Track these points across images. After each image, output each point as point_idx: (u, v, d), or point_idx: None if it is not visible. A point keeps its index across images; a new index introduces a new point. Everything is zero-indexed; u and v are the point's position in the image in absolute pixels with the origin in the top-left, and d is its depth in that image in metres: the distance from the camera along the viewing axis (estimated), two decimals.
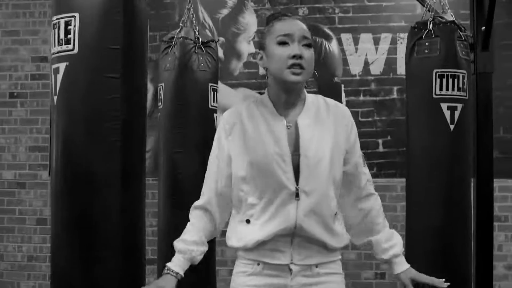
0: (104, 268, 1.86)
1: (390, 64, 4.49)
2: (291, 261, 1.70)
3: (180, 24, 3.14)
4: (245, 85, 4.61)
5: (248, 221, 1.72)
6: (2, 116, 4.89)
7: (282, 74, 1.68)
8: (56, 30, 1.93)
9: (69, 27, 1.90)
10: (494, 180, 3.01)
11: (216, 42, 3.22)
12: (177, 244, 1.78)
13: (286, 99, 1.73)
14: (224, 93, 4.36)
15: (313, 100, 1.78)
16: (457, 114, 2.74)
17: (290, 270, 1.70)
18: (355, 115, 1.83)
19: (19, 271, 4.77)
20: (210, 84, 3.09)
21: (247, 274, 1.74)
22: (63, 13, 1.92)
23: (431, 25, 2.77)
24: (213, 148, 1.81)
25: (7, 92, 4.90)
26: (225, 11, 4.65)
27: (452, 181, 2.77)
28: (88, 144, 1.90)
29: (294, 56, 1.66)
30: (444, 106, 2.74)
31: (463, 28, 2.82)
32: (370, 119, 4.49)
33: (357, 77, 4.53)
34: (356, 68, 4.53)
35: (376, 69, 4.51)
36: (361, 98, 4.51)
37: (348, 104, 3.98)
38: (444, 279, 1.77)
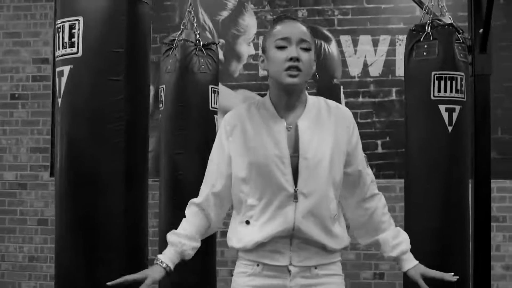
0: (108, 269, 1.87)
1: (389, 65, 4.50)
2: (290, 263, 1.71)
3: (181, 27, 3.15)
4: (245, 87, 4.63)
5: (247, 222, 1.73)
6: (3, 117, 4.91)
7: (280, 77, 1.70)
8: (61, 33, 1.95)
9: (73, 31, 1.92)
10: (492, 181, 3.03)
11: (216, 45, 3.23)
12: (169, 236, 1.80)
13: (287, 101, 1.75)
14: (224, 95, 4.38)
15: (314, 102, 1.79)
16: (455, 115, 2.76)
17: (289, 271, 1.71)
18: (354, 116, 1.84)
19: (20, 272, 4.78)
20: (210, 86, 3.11)
21: (247, 275, 1.75)
22: (67, 17, 1.94)
23: (429, 27, 2.79)
24: (213, 148, 1.83)
25: (8, 94, 4.91)
26: (225, 13, 4.67)
27: (450, 182, 2.78)
28: (92, 146, 1.92)
29: (291, 59, 1.68)
30: (442, 107, 2.76)
31: (461, 31, 2.85)
32: (369, 120, 4.51)
33: (356, 79, 4.54)
34: (355, 69, 4.55)
35: (375, 70, 4.53)
36: (360, 99, 4.53)
37: (347, 106, 3.98)
38: (453, 273, 1.78)
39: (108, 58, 1.93)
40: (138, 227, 2.01)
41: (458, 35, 2.82)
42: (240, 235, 1.75)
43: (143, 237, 2.04)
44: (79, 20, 1.92)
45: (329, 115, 1.77)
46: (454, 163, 2.79)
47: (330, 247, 1.73)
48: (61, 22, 1.96)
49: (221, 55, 4.38)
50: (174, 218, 3.04)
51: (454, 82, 2.76)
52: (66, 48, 1.94)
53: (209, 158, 1.84)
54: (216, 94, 3.16)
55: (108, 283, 1.70)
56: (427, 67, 2.79)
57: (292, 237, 1.70)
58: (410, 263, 1.83)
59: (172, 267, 1.75)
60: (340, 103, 2.53)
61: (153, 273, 1.72)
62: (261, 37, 4.54)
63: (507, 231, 4.36)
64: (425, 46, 2.80)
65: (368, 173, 1.85)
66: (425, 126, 2.82)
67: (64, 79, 1.94)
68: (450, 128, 2.76)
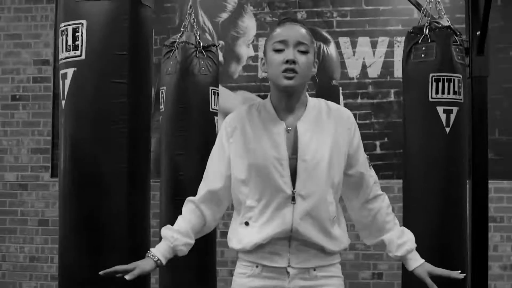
0: None
1: (387, 67, 4.52)
2: (288, 264, 1.72)
3: (182, 29, 3.17)
4: (244, 88, 4.64)
5: (247, 223, 1.74)
6: (4, 118, 4.92)
7: (277, 79, 1.72)
8: (64, 36, 1.98)
9: (76, 34, 1.95)
10: (489, 181, 3.05)
11: (216, 46, 3.25)
12: (163, 230, 1.81)
13: (287, 103, 1.76)
14: (224, 96, 4.40)
15: (315, 104, 1.80)
16: (452, 117, 2.78)
17: (288, 273, 1.72)
18: None
19: (21, 272, 4.79)
20: (211, 88, 3.13)
21: (246, 276, 1.76)
22: (71, 20, 1.97)
23: (427, 30, 2.82)
24: (214, 148, 1.84)
25: (9, 95, 4.92)
26: (224, 15, 4.68)
27: (448, 182, 2.81)
28: (95, 147, 1.95)
29: (287, 61, 1.69)
30: (440, 109, 2.78)
31: (458, 33, 2.87)
32: (367, 121, 4.52)
33: (355, 80, 4.56)
34: (353, 71, 4.57)
35: (374, 72, 4.55)
36: (359, 100, 4.55)
37: (346, 107, 3.98)
38: (459, 271, 1.78)
39: (111, 61, 1.95)
40: (141, 227, 2.03)
41: (456, 37, 2.84)
42: (240, 236, 1.76)
43: (145, 237, 2.06)
44: (82, 24, 1.95)
45: (329, 117, 1.78)
46: (451, 164, 2.81)
47: (329, 249, 1.73)
48: (64, 26, 1.99)
49: (220, 57, 4.40)
50: (174, 219, 3.05)
51: (451, 84, 2.78)
52: (69, 51, 1.96)
53: (209, 157, 1.85)
54: (216, 96, 3.18)
55: (100, 272, 1.70)
56: (425, 69, 2.81)
57: (290, 239, 1.71)
58: (416, 262, 1.83)
59: (163, 261, 1.75)
60: (339, 104, 2.56)
61: (143, 265, 1.72)
62: (260, 39, 4.57)
63: (505, 231, 4.38)
64: (423, 48, 2.82)
65: (371, 175, 1.85)
66: (423, 127, 2.84)
67: (67, 82, 1.97)
68: (447, 129, 2.78)
